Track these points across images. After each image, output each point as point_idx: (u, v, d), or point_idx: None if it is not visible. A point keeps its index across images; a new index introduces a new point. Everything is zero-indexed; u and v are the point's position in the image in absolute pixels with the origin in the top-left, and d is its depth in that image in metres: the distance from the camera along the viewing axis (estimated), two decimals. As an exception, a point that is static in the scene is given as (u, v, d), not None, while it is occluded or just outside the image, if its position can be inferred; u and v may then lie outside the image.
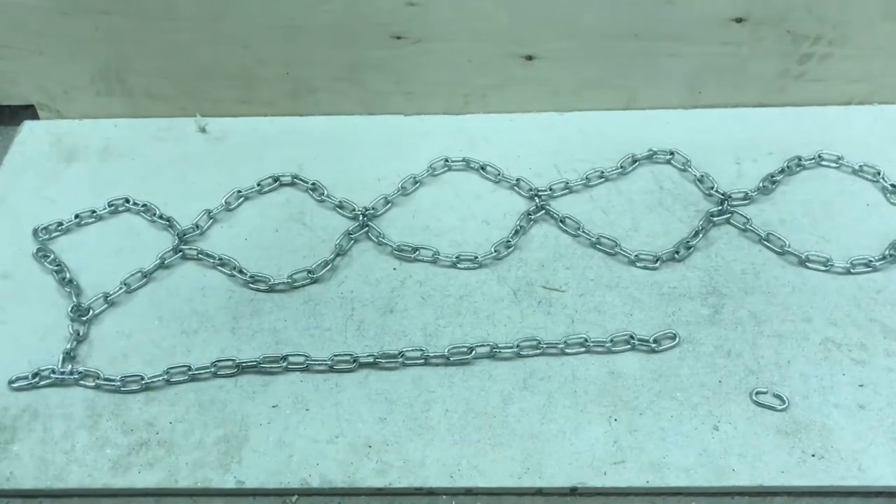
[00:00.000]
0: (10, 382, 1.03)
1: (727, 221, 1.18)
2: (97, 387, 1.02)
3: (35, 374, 1.03)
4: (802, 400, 0.99)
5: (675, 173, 1.26)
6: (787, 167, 1.24)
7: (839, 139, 1.28)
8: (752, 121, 1.33)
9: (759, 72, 1.30)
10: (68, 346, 1.05)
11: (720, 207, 1.19)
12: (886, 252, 1.13)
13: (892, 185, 1.21)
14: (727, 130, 1.31)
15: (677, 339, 1.04)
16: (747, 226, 1.16)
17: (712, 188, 1.21)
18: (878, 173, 1.22)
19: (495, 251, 1.15)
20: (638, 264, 1.13)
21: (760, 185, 1.22)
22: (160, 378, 1.02)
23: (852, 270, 1.12)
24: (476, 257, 1.14)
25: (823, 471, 0.94)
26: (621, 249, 1.14)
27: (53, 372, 1.03)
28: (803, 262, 1.13)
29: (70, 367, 1.03)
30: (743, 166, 1.26)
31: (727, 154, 1.28)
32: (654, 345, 1.04)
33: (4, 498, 0.96)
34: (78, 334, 1.07)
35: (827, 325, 1.06)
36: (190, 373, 1.03)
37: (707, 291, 1.11)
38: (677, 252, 1.14)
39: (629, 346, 1.04)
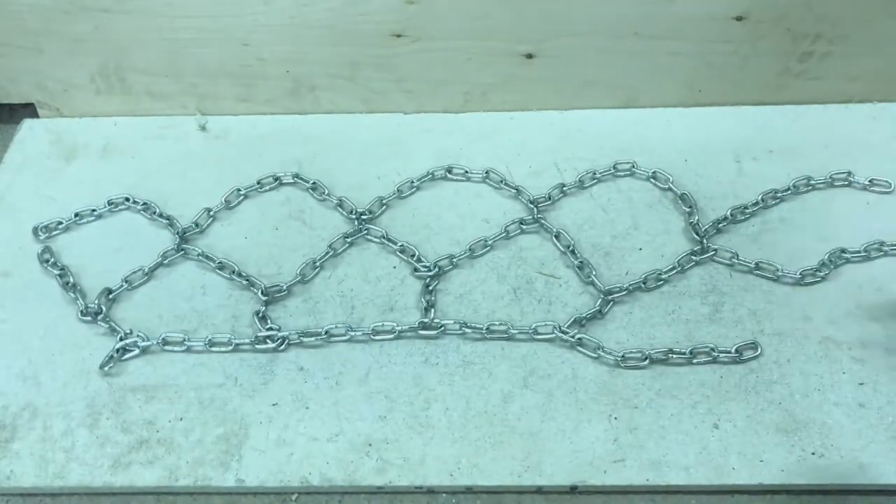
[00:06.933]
0: (101, 366, 1.04)
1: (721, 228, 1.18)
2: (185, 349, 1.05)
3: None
4: (802, 398, 0.99)
5: (674, 171, 1.25)
6: (794, 186, 1.20)
7: (839, 137, 1.28)
8: (753, 119, 1.33)
9: (760, 70, 1.30)
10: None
11: (700, 247, 1.14)
12: (886, 251, 1.13)
13: (892, 184, 1.21)
14: (727, 128, 1.31)
15: (759, 350, 1.04)
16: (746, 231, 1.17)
17: (697, 227, 1.16)
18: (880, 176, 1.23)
19: (470, 249, 1.15)
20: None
21: (760, 198, 1.19)
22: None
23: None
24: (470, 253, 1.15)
25: (823, 469, 0.94)
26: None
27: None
28: (803, 261, 1.13)
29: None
30: (743, 164, 1.26)
31: (727, 152, 1.28)
32: (736, 355, 1.03)
33: (4, 496, 0.96)
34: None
35: (826, 324, 1.06)
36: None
37: (707, 290, 1.11)
38: (644, 283, 1.11)
39: (710, 360, 1.03)
